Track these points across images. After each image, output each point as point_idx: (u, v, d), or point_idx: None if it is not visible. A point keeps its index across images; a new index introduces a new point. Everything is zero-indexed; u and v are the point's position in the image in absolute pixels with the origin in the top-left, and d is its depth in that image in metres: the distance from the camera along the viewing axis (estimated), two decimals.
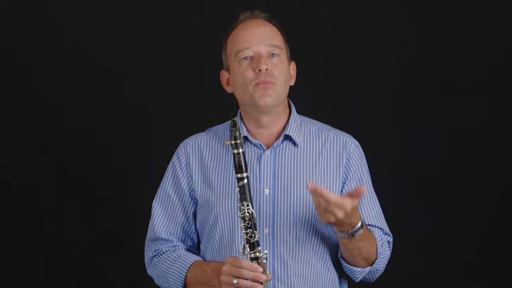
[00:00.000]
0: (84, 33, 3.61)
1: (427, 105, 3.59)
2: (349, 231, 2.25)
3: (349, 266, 2.40)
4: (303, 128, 2.49)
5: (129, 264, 3.47)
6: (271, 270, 2.36)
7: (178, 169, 2.50)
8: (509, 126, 3.55)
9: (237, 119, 2.46)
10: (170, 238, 2.50)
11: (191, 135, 2.56)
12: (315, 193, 2.16)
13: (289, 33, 2.49)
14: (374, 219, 2.47)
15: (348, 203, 2.17)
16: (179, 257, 2.45)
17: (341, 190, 2.46)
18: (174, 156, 2.53)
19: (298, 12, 3.56)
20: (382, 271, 2.47)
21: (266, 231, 2.37)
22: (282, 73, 2.39)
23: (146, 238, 2.55)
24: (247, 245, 2.23)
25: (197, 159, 2.49)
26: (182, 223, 2.51)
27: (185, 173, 2.49)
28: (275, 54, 2.39)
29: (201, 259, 2.46)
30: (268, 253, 2.35)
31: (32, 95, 3.62)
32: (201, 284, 2.37)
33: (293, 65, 2.50)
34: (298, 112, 2.52)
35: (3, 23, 3.61)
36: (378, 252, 2.39)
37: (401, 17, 3.59)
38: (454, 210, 3.59)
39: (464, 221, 3.59)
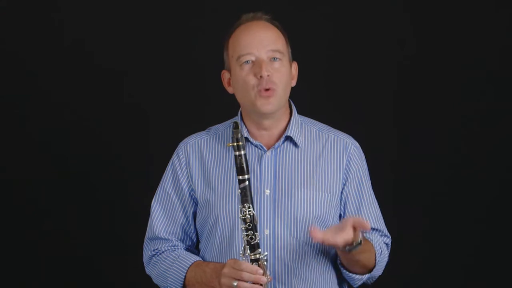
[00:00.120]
0: (84, 33, 3.61)
1: (427, 105, 3.59)
2: (347, 248, 2.25)
3: (348, 273, 2.41)
4: (304, 128, 2.49)
5: (129, 264, 3.46)
6: (271, 271, 2.36)
7: (178, 169, 2.50)
8: (509, 126, 3.55)
9: (238, 119, 2.46)
10: (169, 238, 2.50)
11: (191, 135, 2.56)
12: (322, 241, 2.17)
13: (289, 33, 2.49)
14: (374, 221, 2.48)
15: (351, 236, 2.19)
16: (178, 257, 2.44)
17: (341, 192, 2.46)
18: (174, 155, 2.53)
19: (298, 12, 3.56)
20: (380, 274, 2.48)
21: (266, 232, 2.37)
22: (283, 78, 2.38)
23: (145, 237, 2.55)
24: (248, 247, 2.23)
25: (197, 159, 2.49)
26: (182, 222, 2.51)
27: (185, 172, 2.49)
28: (276, 59, 2.38)
29: (200, 259, 2.46)
30: (268, 254, 2.35)
31: (32, 95, 3.62)
32: (201, 284, 2.37)
33: (295, 65, 2.48)
34: (299, 112, 2.52)
35: (3, 23, 3.60)
36: (377, 261, 2.40)
37: (401, 17, 3.58)
38: (454, 210, 3.60)
39: (464, 221, 3.59)
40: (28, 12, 3.60)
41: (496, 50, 3.54)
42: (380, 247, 2.42)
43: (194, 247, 2.55)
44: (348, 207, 2.48)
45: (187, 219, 2.51)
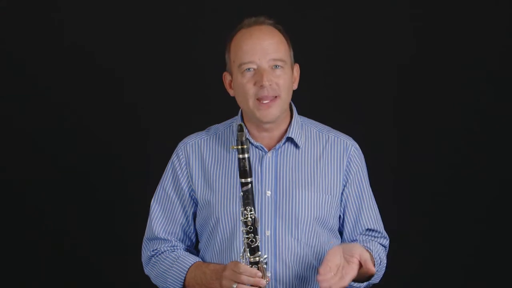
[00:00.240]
0: (84, 33, 3.60)
1: (427, 105, 3.59)
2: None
3: None
4: (304, 129, 2.49)
5: (129, 264, 3.45)
6: (272, 272, 2.36)
7: (177, 169, 2.49)
8: (509, 126, 3.55)
9: (239, 120, 2.46)
10: (169, 238, 2.50)
11: (190, 135, 2.55)
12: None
13: (289, 34, 2.49)
14: (373, 222, 2.49)
15: (356, 274, 2.24)
16: (178, 257, 2.44)
17: (341, 193, 2.46)
18: (174, 155, 2.52)
19: (298, 12, 3.56)
20: None
21: (268, 233, 2.37)
22: (285, 85, 2.38)
23: (144, 237, 2.55)
24: (248, 249, 2.23)
25: (197, 159, 2.49)
26: (182, 223, 2.51)
27: (185, 173, 2.49)
28: (278, 66, 2.38)
29: (200, 260, 2.46)
30: (270, 255, 2.36)
31: (32, 95, 3.62)
32: (201, 286, 2.37)
33: (296, 68, 2.48)
34: (299, 112, 2.52)
35: (3, 23, 3.60)
36: (376, 270, 2.39)
37: (401, 17, 3.58)
38: (454, 210, 3.60)
39: (464, 221, 3.59)
40: (28, 12, 3.60)
41: (496, 50, 3.54)
42: (379, 256, 2.43)
43: (193, 247, 2.56)
44: (348, 209, 2.48)
45: (187, 219, 2.51)
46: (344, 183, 2.46)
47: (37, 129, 3.63)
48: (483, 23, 3.54)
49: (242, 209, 2.22)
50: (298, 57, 2.51)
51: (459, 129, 3.58)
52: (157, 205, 2.52)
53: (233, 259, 2.34)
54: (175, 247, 2.50)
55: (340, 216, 2.49)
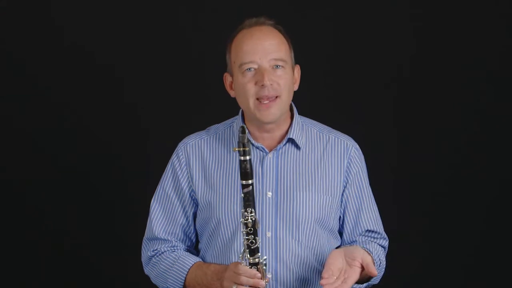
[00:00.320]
0: (84, 33, 3.60)
1: (427, 105, 3.59)
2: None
3: None
4: (305, 130, 2.49)
5: (129, 264, 3.45)
6: (273, 273, 2.36)
7: (178, 169, 2.49)
8: (509, 126, 3.55)
9: (239, 120, 2.46)
10: (169, 238, 2.50)
11: (190, 135, 2.55)
12: None
13: (289, 34, 2.48)
14: (373, 223, 2.49)
15: (358, 277, 2.25)
16: (178, 258, 2.44)
17: (342, 194, 2.46)
18: (174, 155, 2.52)
19: (298, 12, 3.55)
20: None
21: (268, 234, 2.37)
22: (285, 85, 2.38)
23: (144, 237, 2.55)
24: (247, 251, 2.23)
25: (198, 159, 2.48)
26: (182, 223, 2.50)
27: (185, 173, 2.48)
28: (279, 66, 2.37)
29: (201, 260, 2.46)
30: (270, 256, 2.36)
31: (32, 95, 3.62)
32: (201, 286, 2.37)
33: (297, 69, 2.48)
34: (299, 112, 2.52)
35: (3, 23, 3.60)
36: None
37: (401, 17, 3.58)
38: (454, 210, 3.60)
39: (464, 221, 3.59)
40: (28, 12, 3.59)
41: (496, 50, 3.54)
42: (379, 258, 2.43)
43: (193, 248, 2.55)
44: (348, 209, 2.48)
45: (187, 219, 2.50)
46: (345, 184, 2.46)
47: (37, 129, 3.63)
48: (483, 23, 3.54)
49: (243, 210, 2.22)
50: (298, 57, 2.50)
51: (459, 129, 3.58)
52: (157, 205, 2.52)
53: (234, 260, 2.34)
54: (175, 247, 2.50)
55: (340, 217, 2.49)
